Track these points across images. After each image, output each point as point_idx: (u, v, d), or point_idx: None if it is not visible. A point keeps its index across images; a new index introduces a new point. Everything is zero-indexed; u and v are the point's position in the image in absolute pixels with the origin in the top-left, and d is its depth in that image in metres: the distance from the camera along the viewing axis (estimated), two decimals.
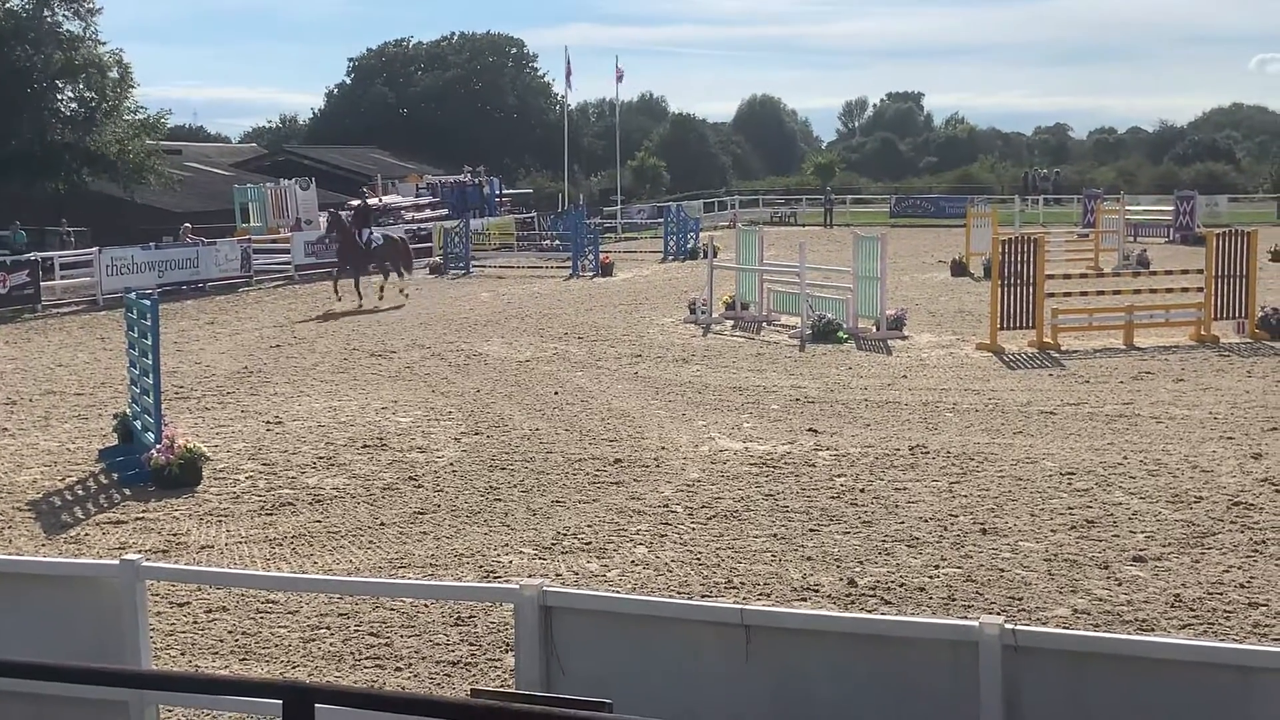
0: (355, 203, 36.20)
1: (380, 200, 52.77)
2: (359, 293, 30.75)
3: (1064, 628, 8.93)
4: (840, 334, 23.99)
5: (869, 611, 9.37)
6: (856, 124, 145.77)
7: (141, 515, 12.69)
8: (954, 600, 9.92)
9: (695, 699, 6.08)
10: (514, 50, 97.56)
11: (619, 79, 67.87)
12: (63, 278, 34.11)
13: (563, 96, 78.49)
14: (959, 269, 36.83)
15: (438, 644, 9.21)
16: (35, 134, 45.71)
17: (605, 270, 39.54)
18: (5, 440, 16.33)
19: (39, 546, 11.69)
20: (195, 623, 9.73)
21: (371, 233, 31.95)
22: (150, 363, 14.21)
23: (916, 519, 12.11)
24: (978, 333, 24.07)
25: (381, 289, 31.65)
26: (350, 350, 23.70)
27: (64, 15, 47.19)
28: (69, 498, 13.54)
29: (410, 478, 14.00)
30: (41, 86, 46.75)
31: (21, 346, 25.44)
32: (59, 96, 48.22)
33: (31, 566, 7.85)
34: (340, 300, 30.43)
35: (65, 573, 7.45)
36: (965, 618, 8.67)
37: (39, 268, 32.14)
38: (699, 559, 11.04)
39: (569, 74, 65.24)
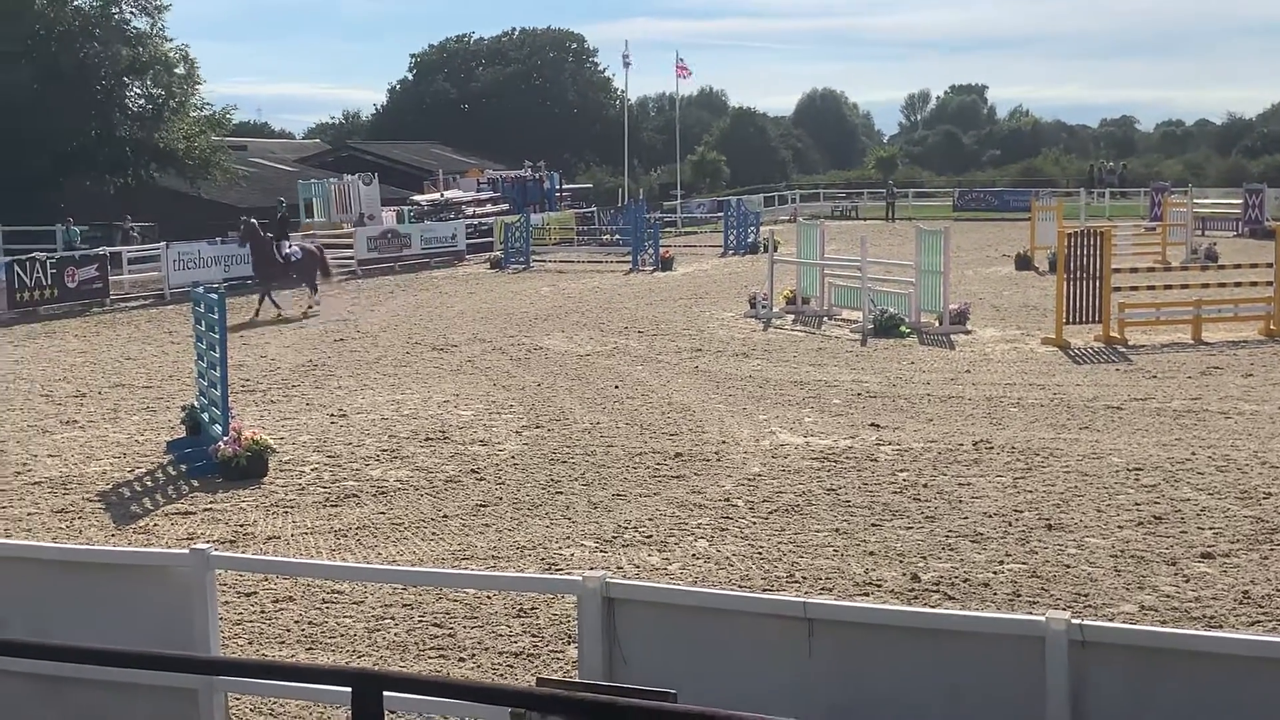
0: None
1: (442, 195, 53.10)
2: (275, 304, 28.68)
3: (1131, 624, 8.85)
4: (903, 328, 23.87)
5: (932, 607, 9.32)
6: (919, 117, 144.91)
7: (209, 506, 12.85)
8: (1019, 596, 9.85)
9: (758, 691, 6.08)
10: (574, 45, 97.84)
11: (682, 75, 67.85)
12: (130, 272, 34.57)
13: (622, 91, 78.60)
14: (1024, 263, 36.51)
15: (500, 635, 9.26)
16: (104, 130, 46.31)
17: (665, 265, 39.53)
18: (75, 432, 16.58)
19: (109, 537, 11.86)
20: (263, 612, 9.84)
21: (290, 245, 29.94)
22: (217, 356, 14.38)
23: (980, 514, 12.03)
24: (1043, 327, 23.86)
25: (308, 301, 29.71)
26: (412, 344, 23.86)
27: (131, 12, 47.74)
28: (138, 489, 13.73)
29: (472, 470, 14.08)
30: (110, 83, 47.32)
31: (90, 340, 25.80)
32: (127, 93, 48.78)
33: (102, 556, 7.98)
34: (258, 315, 28.26)
35: (135, 562, 7.55)
36: (1030, 614, 8.60)
37: (107, 262, 32.57)
38: (760, 553, 11.03)
39: (626, 63, 65.27)
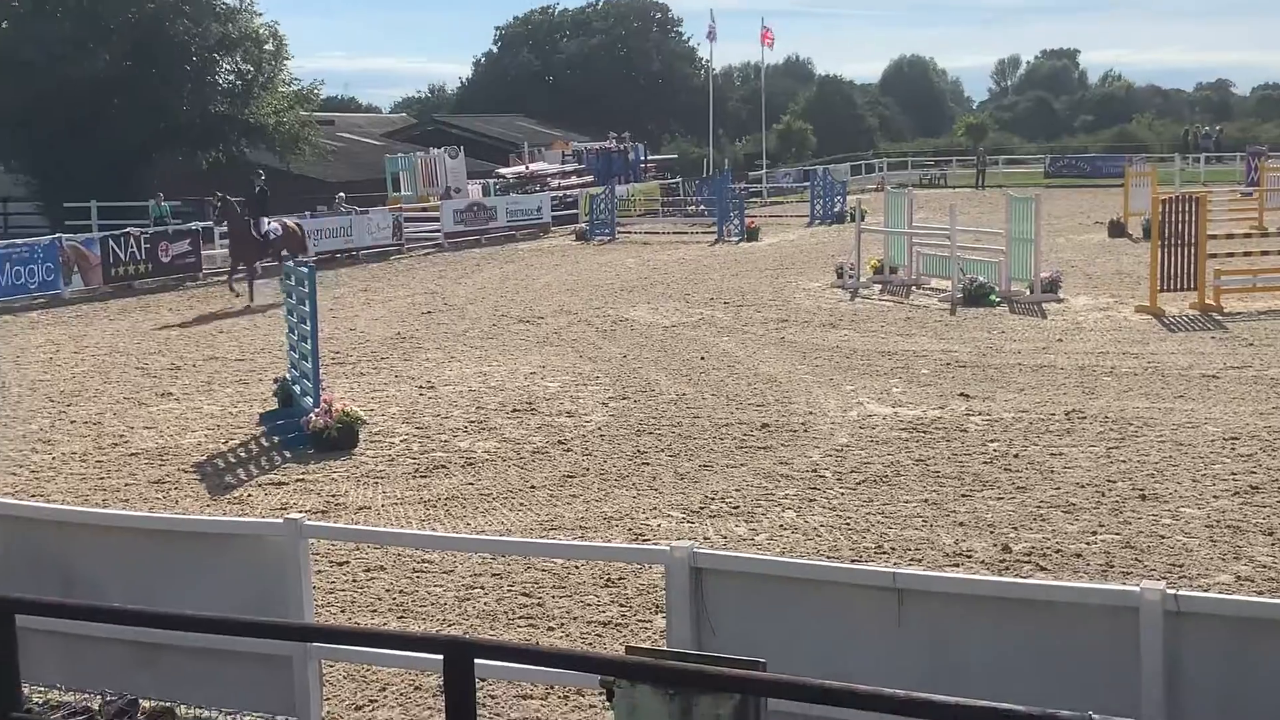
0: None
1: (527, 167, 53.25)
2: (251, 291, 27.13)
3: (1227, 594, 8.70)
4: (992, 297, 23.60)
5: (1024, 578, 9.22)
6: (1009, 83, 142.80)
7: (301, 477, 13.02)
8: (1112, 567, 9.72)
9: (846, 662, 6.05)
10: (658, 15, 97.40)
11: (767, 43, 67.40)
12: (222, 247, 35.01)
13: (707, 61, 78.27)
14: (1117, 230, 35.90)
15: (589, 605, 9.30)
16: (196, 106, 46.98)
17: (751, 235, 39.35)
18: (170, 404, 16.87)
19: (204, 507, 12.07)
20: (354, 581, 9.97)
21: (269, 222, 28.29)
22: (308, 329, 14.55)
23: (1073, 484, 11.88)
24: (1136, 295, 23.46)
25: (237, 276, 28.26)
26: (499, 316, 23.98)
27: None
28: (232, 460, 13.95)
29: (559, 441, 14.14)
30: (200, 60, 47.96)
31: (184, 314, 26.22)
32: (217, 70, 49.43)
33: (198, 525, 8.12)
34: (238, 296, 27.09)
35: (230, 531, 7.68)
36: (1124, 584, 8.49)
37: (200, 237, 33.06)
38: (848, 524, 10.98)
39: (711, 32, 64.94)
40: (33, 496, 12.28)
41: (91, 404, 16.97)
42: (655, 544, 9.63)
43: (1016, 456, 12.93)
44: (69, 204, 42.52)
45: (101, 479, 13.14)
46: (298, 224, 30.36)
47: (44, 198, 47.11)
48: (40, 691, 7.31)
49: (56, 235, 31.01)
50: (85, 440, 14.89)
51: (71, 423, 15.86)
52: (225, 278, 28.36)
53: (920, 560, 9.97)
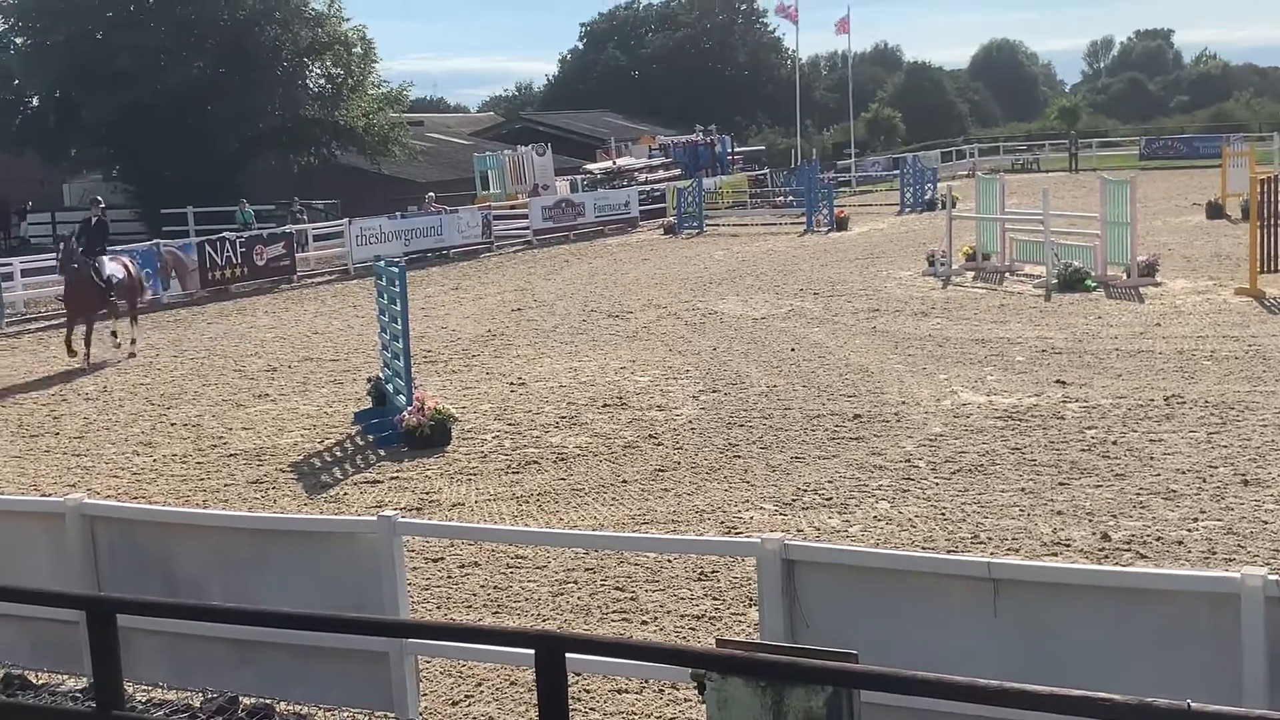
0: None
1: (614, 162, 53.34)
2: (88, 344, 20.95)
3: None
4: (1088, 282, 23.25)
5: (1123, 566, 9.07)
6: (1102, 65, 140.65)
7: (396, 475, 13.15)
8: (1214, 554, 9.53)
9: (942, 653, 5.98)
10: (744, 6, 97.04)
11: (844, 31, 66.91)
12: (315, 249, 35.54)
13: (793, 51, 77.86)
14: (1215, 211, 35.20)
15: (682, 598, 9.30)
16: (287, 111, 47.67)
17: (840, 225, 39.13)
18: (267, 405, 17.12)
19: (301, 505, 12.23)
20: (449, 577, 10.04)
21: (110, 262, 22.28)
22: (400, 328, 14.69)
23: (1173, 471, 11.66)
24: (1236, 277, 22.98)
25: (115, 334, 22.37)
26: (588, 312, 24.05)
27: None
28: (328, 459, 14.13)
29: (650, 435, 14.15)
30: (291, 64, 48.69)
31: (279, 316, 26.61)
32: (308, 74, 50.14)
33: (295, 524, 8.22)
34: (74, 355, 20.77)
35: (326, 529, 7.76)
36: (1226, 571, 8.31)
37: (294, 240, 33.53)
38: (943, 514, 10.87)
39: (785, 10, 64.43)
40: (135, 498, 12.52)
41: (190, 406, 17.27)
42: (747, 537, 9.60)
43: (1115, 443, 12.72)
44: (166, 210, 43.36)
45: (201, 480, 13.36)
46: (136, 267, 23.69)
47: (141, 204, 48.11)
48: (144, 690, 7.45)
49: (155, 241, 31.64)
50: (185, 442, 15.16)
51: (172, 425, 16.15)
52: (65, 331, 21.45)
53: (1017, 550, 9.84)
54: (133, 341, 22.20)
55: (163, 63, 44.36)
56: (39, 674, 7.79)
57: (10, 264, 29.39)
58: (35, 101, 49.31)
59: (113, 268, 22.08)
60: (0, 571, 7.95)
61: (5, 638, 7.96)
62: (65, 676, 7.67)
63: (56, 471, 14.03)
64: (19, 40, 47.82)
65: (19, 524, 8.28)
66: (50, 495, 12.12)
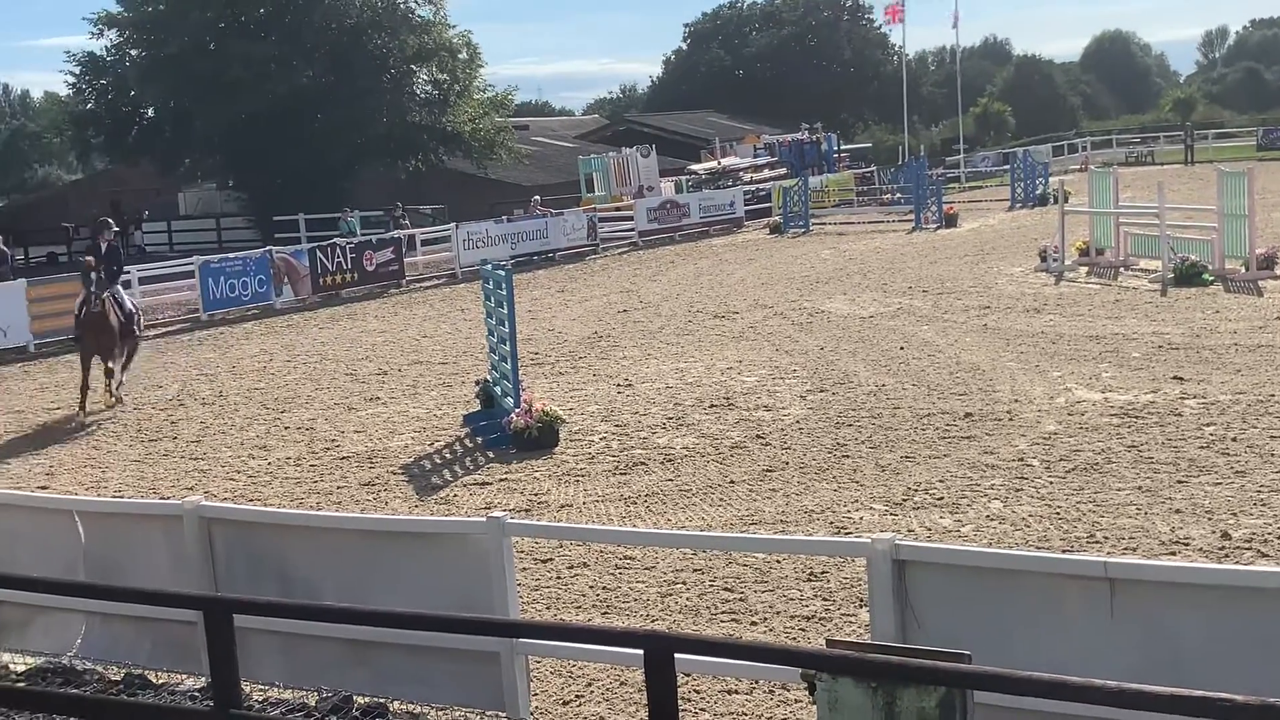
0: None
1: (719, 162, 53.27)
2: (110, 379, 18.41)
3: None
4: (1205, 276, 22.75)
5: (1244, 565, 8.85)
6: (1217, 54, 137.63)
7: (505, 476, 13.24)
8: None
9: (1057, 653, 5.88)
10: (849, 3, 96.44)
11: (955, 24, 66.24)
12: (423, 254, 35.93)
13: (899, 46, 77.22)
14: None
15: (791, 599, 9.24)
16: (395, 117, 48.31)
17: (949, 221, 38.70)
18: (379, 408, 17.34)
19: (412, 507, 12.36)
20: (558, 578, 10.08)
21: (120, 291, 19.13)
22: (507, 331, 14.79)
23: None
24: None
25: (108, 374, 18.40)
26: (694, 313, 24.03)
27: (416, 2, 49.71)
28: (438, 461, 14.26)
29: (758, 436, 14.09)
30: (398, 72, 49.35)
31: (389, 320, 26.94)
32: (414, 80, 50.79)
33: (406, 525, 8.32)
34: (82, 411, 17.80)
35: (436, 530, 7.83)
36: None
37: (402, 245, 33.94)
38: (1058, 513, 10.68)
39: (893, 10, 63.92)
40: (251, 501, 12.75)
41: (304, 410, 17.54)
42: (857, 537, 9.51)
43: (1234, 440, 12.41)
44: (278, 217, 44.16)
45: (315, 482, 13.56)
46: (134, 305, 19.79)
47: (254, 212, 49.08)
48: (260, 689, 7.57)
49: (267, 248, 32.22)
50: (299, 445, 15.40)
51: (285, 429, 16.42)
52: (81, 374, 18.03)
53: (1135, 549, 9.64)
54: (119, 385, 18.61)
55: (273, 72, 45.20)
56: (158, 674, 7.97)
57: (129, 272, 30.05)
58: (150, 113, 50.55)
59: (128, 300, 19.26)
60: (121, 573, 8.14)
61: (126, 638, 8.16)
62: (184, 676, 7.83)
63: (175, 475, 14.33)
64: (134, 53, 49.04)
65: (139, 526, 8.48)
66: (169, 498, 12.40)
